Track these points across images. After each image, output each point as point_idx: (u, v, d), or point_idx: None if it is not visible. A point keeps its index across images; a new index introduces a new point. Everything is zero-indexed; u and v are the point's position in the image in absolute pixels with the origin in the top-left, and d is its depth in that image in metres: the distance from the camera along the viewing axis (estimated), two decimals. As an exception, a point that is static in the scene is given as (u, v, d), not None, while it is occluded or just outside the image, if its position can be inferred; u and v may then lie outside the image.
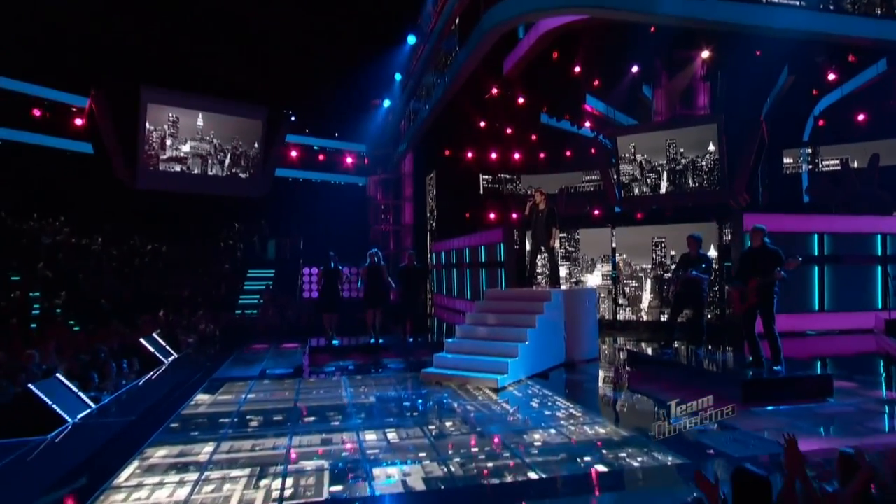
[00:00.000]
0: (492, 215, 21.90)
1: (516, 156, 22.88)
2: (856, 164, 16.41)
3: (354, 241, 16.83)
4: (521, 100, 19.76)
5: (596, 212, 16.33)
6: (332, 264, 10.43)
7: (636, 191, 16.64)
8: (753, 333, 6.79)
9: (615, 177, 16.88)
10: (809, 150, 17.62)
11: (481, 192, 22.39)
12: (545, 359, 8.35)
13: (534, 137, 21.99)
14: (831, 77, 15.82)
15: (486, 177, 22.65)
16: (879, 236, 11.32)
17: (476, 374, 7.46)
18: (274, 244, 18.52)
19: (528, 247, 14.26)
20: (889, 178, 14.94)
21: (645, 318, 12.55)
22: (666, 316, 12.06)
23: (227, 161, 17.05)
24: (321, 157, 20.70)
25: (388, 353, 9.95)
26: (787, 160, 18.09)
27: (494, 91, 18.85)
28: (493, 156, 22.67)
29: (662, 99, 17.27)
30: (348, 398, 6.87)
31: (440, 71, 13.84)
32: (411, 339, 10.62)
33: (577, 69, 17.46)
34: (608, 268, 13.03)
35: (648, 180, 16.46)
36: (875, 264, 11.26)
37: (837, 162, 17.13)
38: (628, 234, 12.99)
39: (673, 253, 12.17)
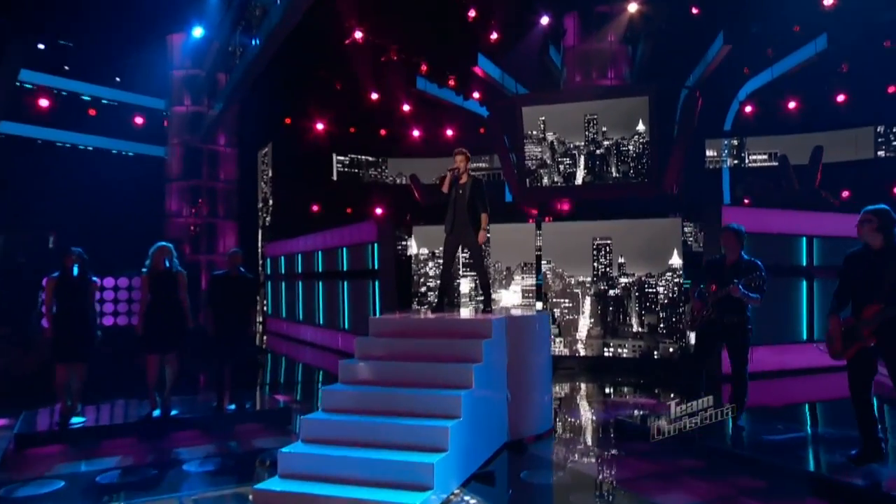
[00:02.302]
0: (349, 210, 19.21)
1: (382, 132, 20.33)
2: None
3: (145, 240, 12.69)
4: (393, 53, 16.89)
5: (565, 206, 14.05)
6: (76, 270, 6.32)
7: (545, 180, 14.65)
8: (870, 399, 4.42)
9: (514, 164, 14.80)
10: (735, 142, 17.03)
11: (335, 177, 19.84)
12: (485, 443, 5.40)
13: (407, 108, 19.30)
14: (769, 52, 15.16)
15: (343, 158, 20.17)
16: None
17: (368, 491, 4.25)
18: (1, 241, 13.49)
19: (416, 248, 11.47)
20: (832, 177, 14.57)
21: (582, 352, 10.19)
22: (615, 349, 9.88)
23: None
24: (92, 111, 16.52)
25: (187, 439, 6.16)
26: (709, 152, 17.36)
27: (358, 35, 15.68)
28: (352, 130, 19.97)
29: (574, 66, 15.65)
30: None
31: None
32: (233, 406, 6.89)
33: (473, 13, 15.08)
34: (531, 280, 10.52)
35: (561, 167, 14.56)
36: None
37: (766, 157, 16.71)
38: (558, 232, 10.67)
39: (622, 260, 9.98)
